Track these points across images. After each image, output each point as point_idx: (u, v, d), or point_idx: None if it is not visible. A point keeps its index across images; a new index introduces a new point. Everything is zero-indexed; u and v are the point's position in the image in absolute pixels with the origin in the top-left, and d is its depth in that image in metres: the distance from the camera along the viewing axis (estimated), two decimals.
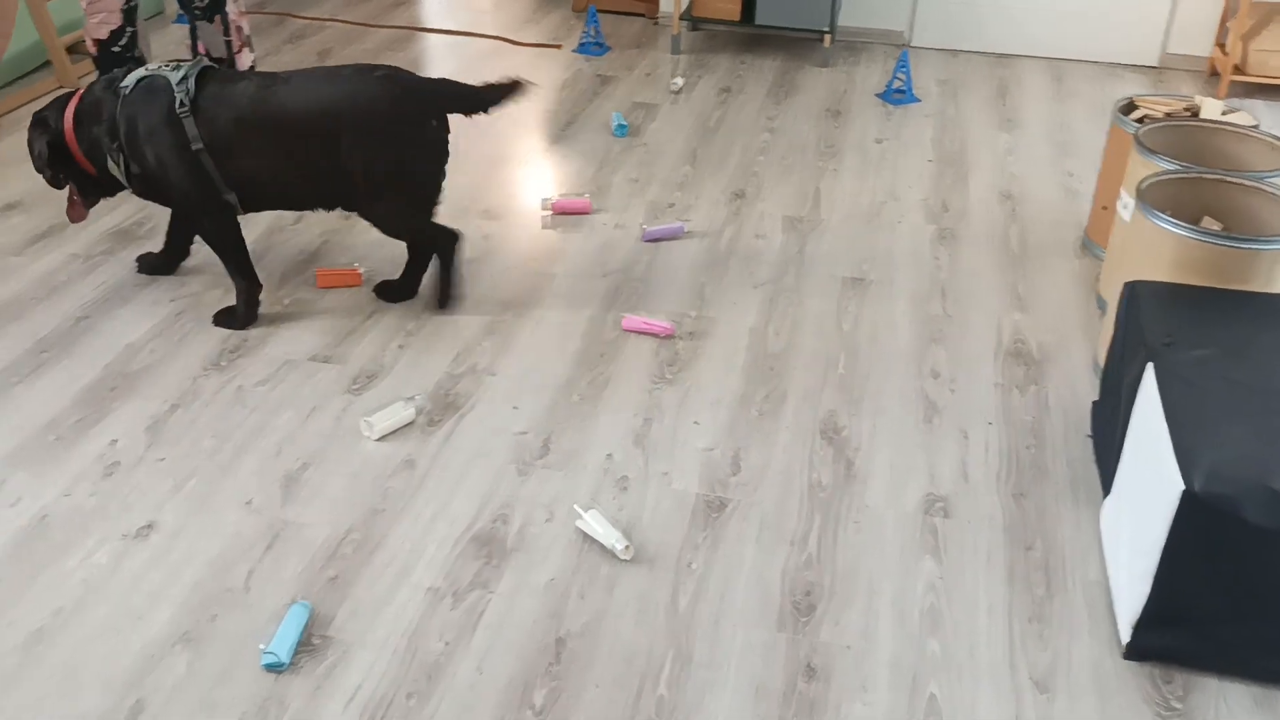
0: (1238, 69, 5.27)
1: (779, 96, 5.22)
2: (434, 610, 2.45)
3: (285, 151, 3.18)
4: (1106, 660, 2.37)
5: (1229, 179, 3.20)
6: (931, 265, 3.83)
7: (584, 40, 5.73)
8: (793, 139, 4.77)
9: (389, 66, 3.28)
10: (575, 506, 2.72)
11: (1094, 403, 3.09)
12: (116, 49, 3.99)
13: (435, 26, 6.04)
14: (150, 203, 3.46)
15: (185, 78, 3.19)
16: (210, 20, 4.14)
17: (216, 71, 3.28)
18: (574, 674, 2.31)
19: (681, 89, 5.25)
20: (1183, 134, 3.50)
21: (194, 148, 3.17)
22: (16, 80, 5.12)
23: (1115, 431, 2.69)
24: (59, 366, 3.21)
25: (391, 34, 5.89)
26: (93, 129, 3.25)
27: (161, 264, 3.66)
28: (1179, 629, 2.31)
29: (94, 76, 4.00)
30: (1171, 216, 2.96)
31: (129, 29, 4.01)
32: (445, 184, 3.37)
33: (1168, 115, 3.65)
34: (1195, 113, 3.70)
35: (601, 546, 2.61)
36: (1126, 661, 2.36)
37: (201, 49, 4.18)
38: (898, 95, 5.20)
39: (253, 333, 3.38)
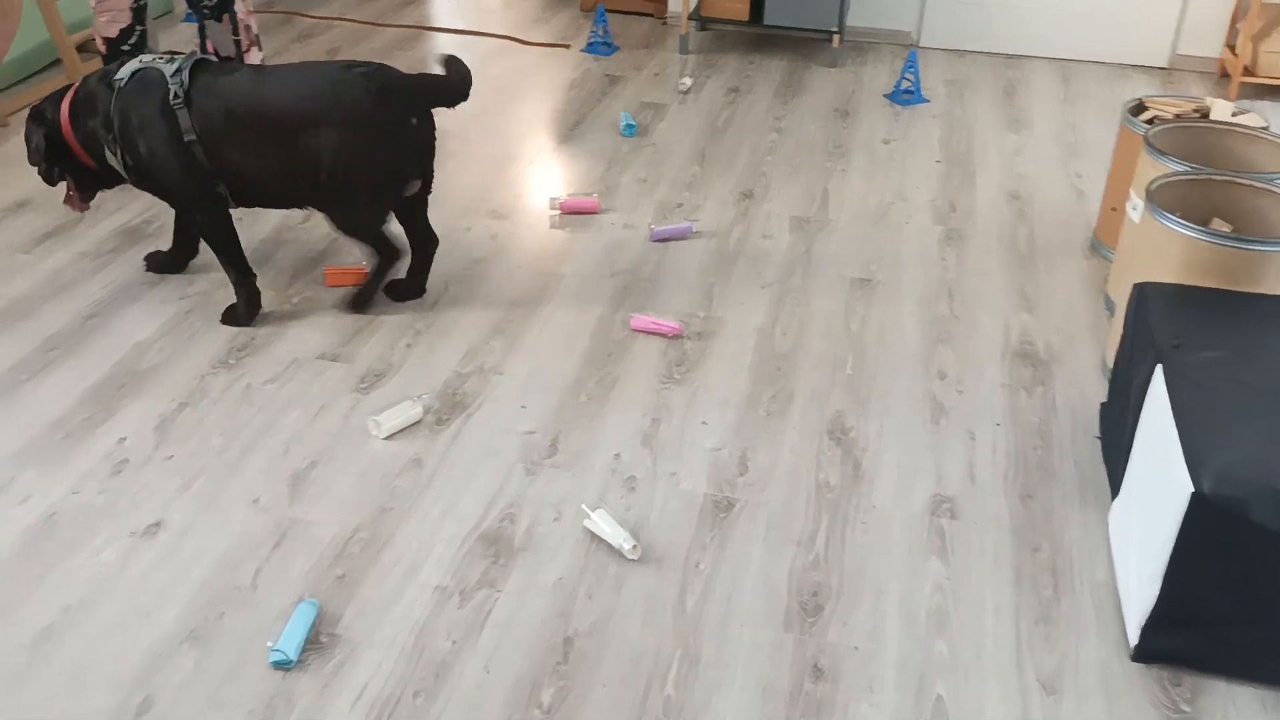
0: (1248, 70, 5.25)
1: (787, 97, 5.22)
2: (441, 609, 2.45)
3: (269, 145, 3.19)
4: (1114, 662, 2.36)
5: (1239, 180, 3.19)
6: (939, 266, 3.83)
7: (592, 40, 5.73)
8: (801, 139, 4.77)
9: (372, 64, 3.26)
10: (583, 506, 2.72)
11: (1102, 404, 3.08)
12: (126, 47, 4.00)
13: (444, 26, 6.05)
14: (159, 201, 3.47)
15: (179, 70, 3.20)
16: (219, 19, 4.15)
17: (210, 64, 3.29)
18: (581, 673, 2.31)
19: (690, 89, 5.25)
20: (1192, 135, 3.49)
21: (187, 139, 3.18)
22: (27, 78, 5.13)
23: (1124, 433, 2.68)
24: (68, 364, 3.22)
25: (400, 33, 5.90)
26: (88, 121, 3.27)
27: (170, 262, 3.67)
28: (1188, 631, 2.30)
29: None
30: (1181, 218, 2.95)
31: (138, 27, 4.02)
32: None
33: (1177, 116, 3.64)
34: (1205, 114, 3.69)
35: (609, 546, 2.62)
36: (1135, 664, 2.36)
37: (210, 48, 4.19)
38: (906, 96, 5.19)
39: (261, 331, 3.38)
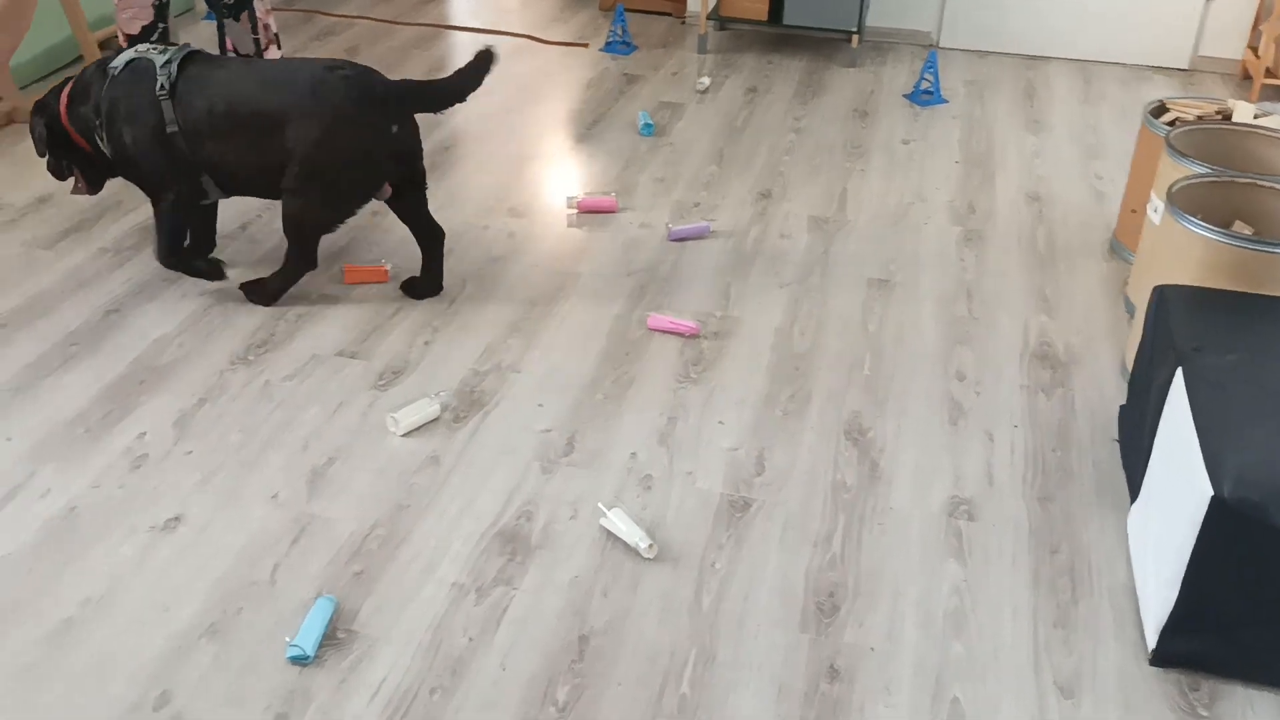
0: (1270, 72, 5.22)
1: (806, 97, 5.21)
2: (458, 606, 2.46)
3: (246, 139, 3.22)
4: (1132, 666, 2.35)
5: (1261, 183, 3.17)
6: (958, 267, 3.82)
7: (611, 39, 5.73)
8: (819, 139, 4.76)
9: (358, 66, 3.27)
10: (599, 504, 2.72)
11: (1121, 407, 3.07)
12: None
13: (462, 24, 6.06)
14: None
15: (169, 61, 3.24)
16: (237, 18, 4.16)
17: (200, 56, 3.34)
18: (597, 671, 2.31)
19: (708, 88, 5.25)
20: (1214, 137, 3.47)
21: (169, 130, 3.23)
22: (50, 75, 5.16)
23: (1143, 436, 2.67)
24: (88, 360, 3.24)
25: (418, 31, 5.91)
26: (81, 108, 3.33)
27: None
28: (1206, 635, 2.29)
29: None
30: (1202, 220, 2.94)
31: (160, 24, 4.04)
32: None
33: (1199, 118, 3.63)
34: (1227, 116, 3.67)
35: (625, 545, 2.62)
36: (1153, 667, 2.34)
37: (230, 46, 4.20)
38: (925, 96, 5.18)
39: (280, 327, 3.39)
